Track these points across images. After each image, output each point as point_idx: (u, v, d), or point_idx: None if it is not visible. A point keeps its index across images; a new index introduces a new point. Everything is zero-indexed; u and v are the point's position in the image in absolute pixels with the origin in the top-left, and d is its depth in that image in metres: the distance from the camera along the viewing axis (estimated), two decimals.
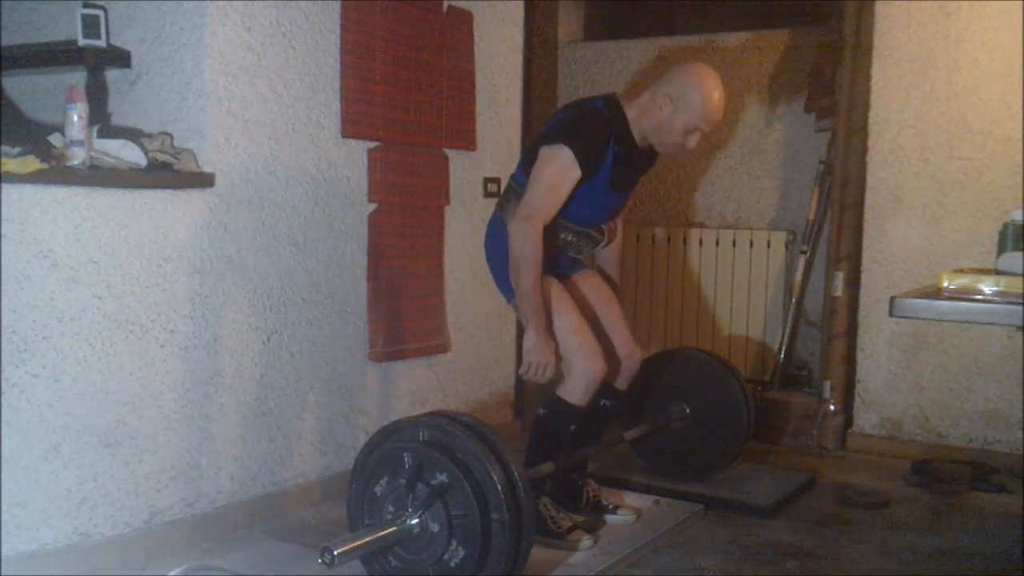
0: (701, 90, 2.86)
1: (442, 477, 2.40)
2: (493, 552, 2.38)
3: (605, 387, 3.18)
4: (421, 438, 2.48)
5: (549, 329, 2.91)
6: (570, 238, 3.03)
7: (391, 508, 2.47)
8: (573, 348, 2.92)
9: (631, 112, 2.94)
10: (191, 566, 2.66)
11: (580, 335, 2.94)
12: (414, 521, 2.43)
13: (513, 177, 3.10)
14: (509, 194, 3.07)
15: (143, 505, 2.84)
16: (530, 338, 2.88)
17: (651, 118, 2.91)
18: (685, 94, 2.86)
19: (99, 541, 2.72)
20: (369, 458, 2.56)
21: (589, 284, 3.20)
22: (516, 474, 2.42)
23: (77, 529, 2.68)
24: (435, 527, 2.41)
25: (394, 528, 2.43)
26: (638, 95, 2.98)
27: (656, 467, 3.73)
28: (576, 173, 2.83)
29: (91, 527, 2.71)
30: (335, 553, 2.27)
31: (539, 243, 2.82)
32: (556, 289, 3.00)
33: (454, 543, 2.40)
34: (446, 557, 2.41)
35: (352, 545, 2.35)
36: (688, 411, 3.64)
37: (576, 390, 2.94)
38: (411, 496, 2.43)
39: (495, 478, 2.37)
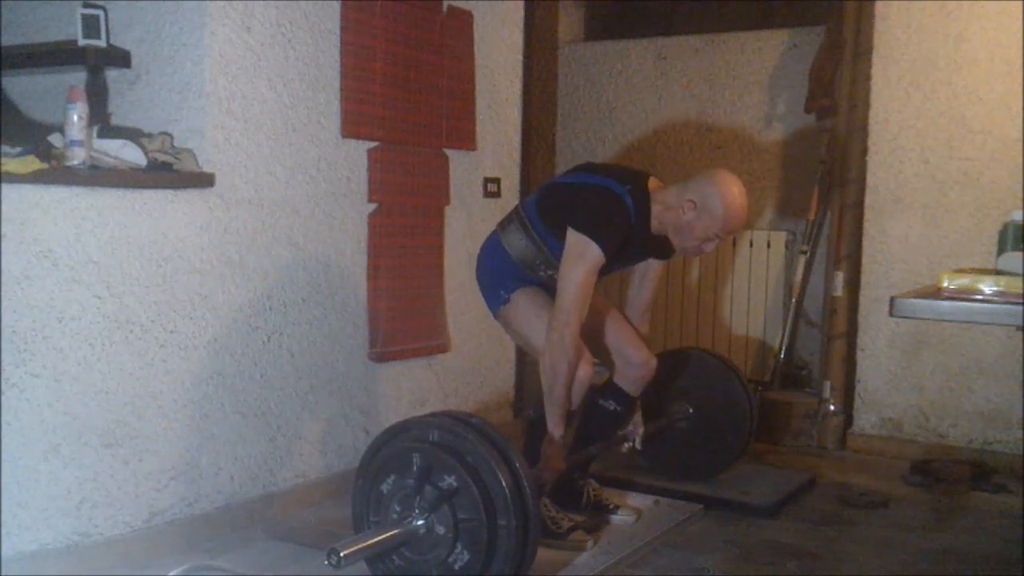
0: (724, 201, 2.88)
1: (450, 480, 2.39)
2: (498, 557, 2.38)
3: (614, 390, 3.19)
4: (431, 439, 2.47)
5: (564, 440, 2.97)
6: (554, 275, 3.00)
7: (397, 508, 2.47)
8: None
9: (655, 206, 2.95)
10: (191, 566, 2.66)
11: None
12: (420, 522, 2.42)
13: (523, 206, 3.10)
14: (514, 218, 3.09)
15: (143, 505, 2.84)
16: (553, 443, 2.93)
17: (673, 217, 2.94)
18: (708, 203, 2.88)
19: (99, 541, 2.72)
20: (376, 456, 2.55)
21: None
22: (524, 480, 2.41)
23: (77, 529, 2.68)
24: (441, 529, 2.41)
25: (400, 529, 2.43)
26: (665, 188, 2.99)
27: (658, 467, 3.72)
28: (602, 263, 2.87)
29: (91, 527, 2.71)
30: (342, 555, 2.27)
31: (576, 349, 2.86)
32: (543, 298, 3.02)
33: (459, 546, 2.40)
34: (451, 560, 2.41)
35: (359, 546, 2.34)
36: (691, 411, 3.64)
37: None
38: (418, 498, 2.42)
39: (503, 483, 2.37)
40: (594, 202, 2.91)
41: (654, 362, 3.22)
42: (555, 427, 2.93)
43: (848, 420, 4.38)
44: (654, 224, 2.98)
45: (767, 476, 3.79)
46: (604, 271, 3.02)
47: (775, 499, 3.49)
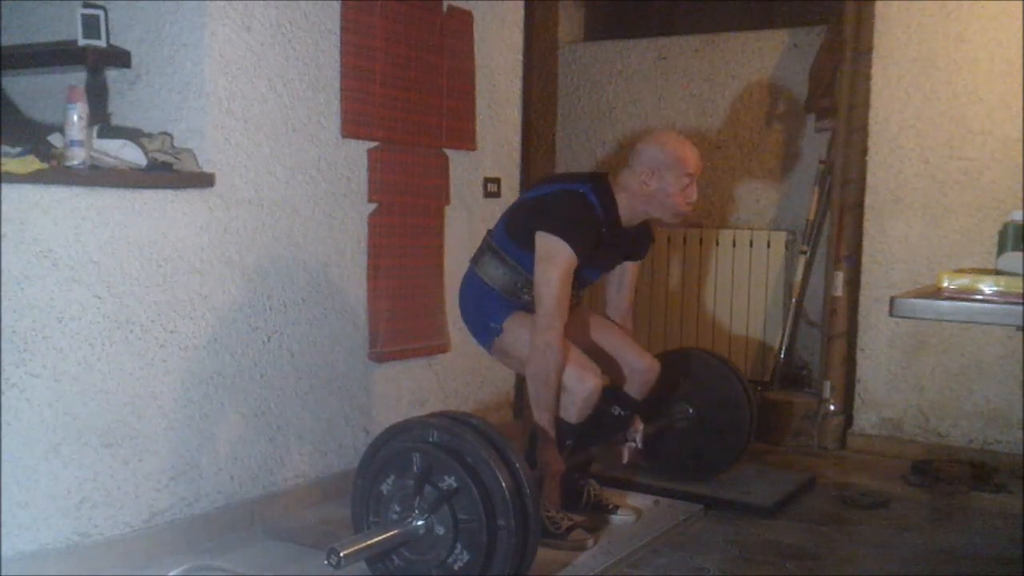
0: (671, 148, 2.97)
1: (450, 480, 2.39)
2: (498, 558, 2.38)
3: (619, 394, 3.20)
4: (431, 439, 2.47)
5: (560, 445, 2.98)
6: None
7: (397, 508, 2.47)
8: (565, 370, 2.93)
9: (620, 197, 2.99)
10: (191, 566, 2.66)
11: (570, 356, 2.95)
12: (420, 523, 2.42)
13: (491, 235, 3.12)
14: (486, 250, 3.10)
15: (143, 505, 2.84)
16: (547, 450, 2.94)
17: (641, 196, 2.98)
18: (658, 159, 2.95)
19: (99, 541, 2.72)
20: (376, 456, 2.55)
21: (578, 313, 3.22)
22: (525, 481, 2.41)
23: (77, 529, 2.68)
24: (441, 530, 2.41)
25: (400, 530, 2.43)
26: (616, 178, 3.02)
27: (659, 467, 3.72)
28: (575, 263, 2.89)
29: (91, 527, 2.71)
30: (341, 555, 2.27)
31: (563, 352, 2.88)
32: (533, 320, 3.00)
33: (459, 547, 2.39)
34: (450, 560, 2.41)
35: (358, 547, 2.34)
36: (691, 411, 3.64)
37: (572, 408, 2.96)
38: (418, 498, 2.42)
39: (503, 484, 2.36)
40: (559, 204, 2.93)
41: (657, 365, 3.26)
42: (547, 430, 2.93)
43: (848, 420, 4.38)
44: (625, 216, 3.00)
45: (767, 476, 3.79)
46: (583, 280, 3.03)
47: (775, 499, 3.49)
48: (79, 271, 2.64)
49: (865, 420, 4.34)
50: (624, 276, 3.28)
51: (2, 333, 2.47)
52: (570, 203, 2.93)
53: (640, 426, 3.34)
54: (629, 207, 3.00)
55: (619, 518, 3.21)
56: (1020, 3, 3.92)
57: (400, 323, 3.66)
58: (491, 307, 3.08)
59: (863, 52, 4.27)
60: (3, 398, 2.49)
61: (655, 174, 2.94)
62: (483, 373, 4.16)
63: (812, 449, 4.35)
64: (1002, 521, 3.43)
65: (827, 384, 4.36)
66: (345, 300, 3.47)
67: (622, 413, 3.25)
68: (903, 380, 4.25)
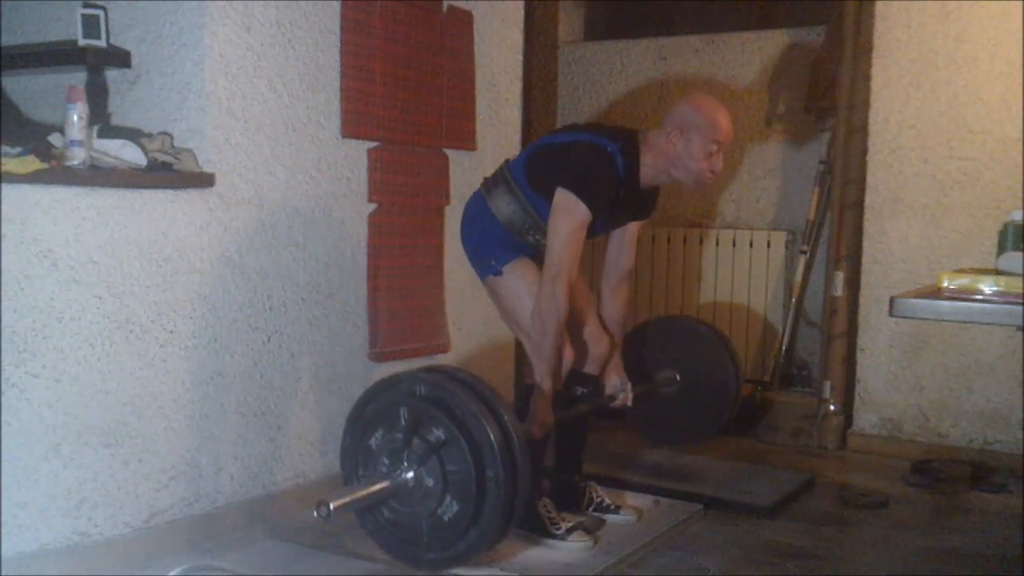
0: (704, 111, 2.91)
1: (438, 433, 2.41)
2: (487, 508, 2.39)
3: (577, 375, 3.17)
4: (418, 393, 2.47)
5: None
6: (543, 240, 2.99)
7: (386, 461, 2.48)
8: None
9: (646, 156, 2.96)
10: (191, 566, 2.65)
11: None
12: (409, 475, 2.43)
13: (508, 167, 3.09)
14: (500, 181, 3.06)
15: (143, 505, 2.84)
16: (542, 397, 2.92)
17: (667, 156, 2.94)
18: (689, 121, 2.90)
19: (99, 541, 2.72)
20: (364, 410, 2.56)
21: None
22: (512, 432, 2.42)
23: (77, 529, 2.68)
24: (430, 482, 2.42)
25: (389, 483, 2.43)
26: (647, 138, 2.99)
27: (644, 433, 3.77)
28: (589, 218, 2.87)
29: (91, 527, 2.71)
30: (331, 507, 2.28)
31: (567, 302, 2.86)
32: (535, 275, 3.00)
33: (448, 498, 2.41)
34: (440, 511, 2.42)
35: (348, 499, 2.36)
36: (678, 378, 3.67)
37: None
38: (407, 451, 2.43)
39: (492, 436, 2.38)
40: (584, 160, 2.90)
41: (606, 340, 3.22)
42: (543, 380, 2.91)
43: (848, 420, 4.38)
44: (647, 176, 2.98)
45: (767, 476, 3.80)
46: (592, 232, 3.00)
47: (775, 499, 3.49)
48: (79, 271, 2.64)
49: (865, 420, 4.34)
50: (625, 234, 3.24)
51: (2, 333, 2.47)
52: (595, 160, 2.89)
53: (627, 383, 3.29)
54: (653, 167, 2.96)
55: (620, 518, 3.21)
56: (1020, 3, 3.92)
57: (400, 323, 3.66)
58: (494, 242, 3.05)
59: (863, 52, 4.28)
60: (3, 398, 2.49)
61: (683, 135, 2.89)
62: (483, 373, 4.10)
63: (812, 449, 4.36)
64: (1002, 521, 3.44)
65: (827, 384, 4.37)
66: (345, 300, 3.47)
67: (583, 391, 3.20)
68: (903, 380, 4.25)
